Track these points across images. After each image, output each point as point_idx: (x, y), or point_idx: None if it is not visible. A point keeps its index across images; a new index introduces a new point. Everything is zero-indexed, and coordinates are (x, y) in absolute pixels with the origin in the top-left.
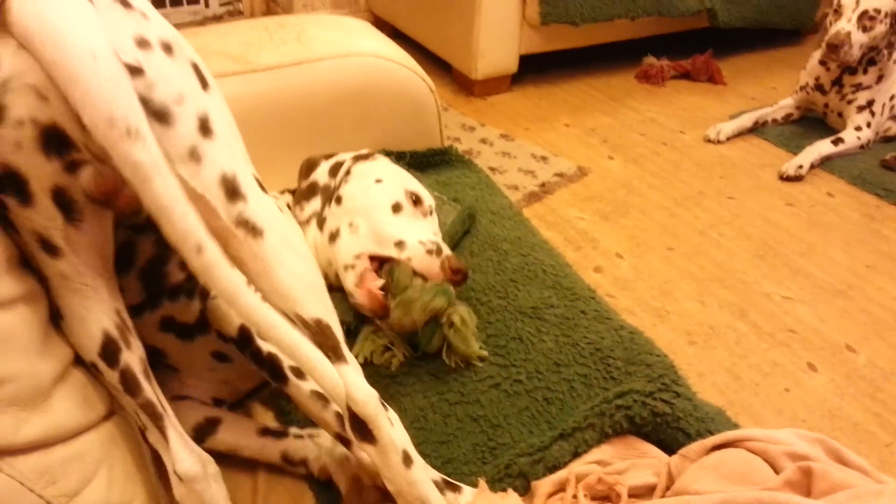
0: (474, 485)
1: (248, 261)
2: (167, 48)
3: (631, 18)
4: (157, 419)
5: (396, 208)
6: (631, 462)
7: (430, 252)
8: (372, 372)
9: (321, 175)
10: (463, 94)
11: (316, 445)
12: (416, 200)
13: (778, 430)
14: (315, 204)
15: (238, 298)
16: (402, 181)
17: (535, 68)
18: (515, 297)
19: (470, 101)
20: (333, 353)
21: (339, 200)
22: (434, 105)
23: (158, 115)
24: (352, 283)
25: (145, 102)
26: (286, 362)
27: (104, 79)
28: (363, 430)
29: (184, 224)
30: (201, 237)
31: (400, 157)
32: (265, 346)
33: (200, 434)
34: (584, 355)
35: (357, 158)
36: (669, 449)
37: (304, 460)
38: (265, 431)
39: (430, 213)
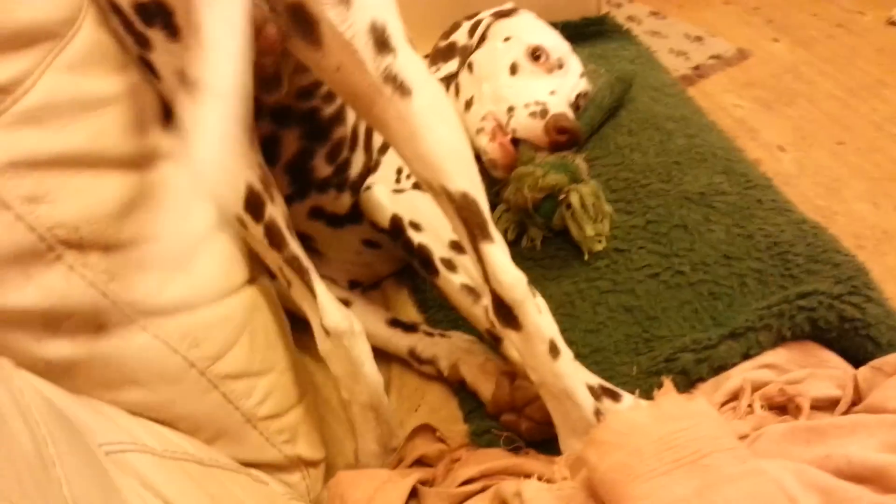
0: (630, 375)
1: (392, 122)
2: None
3: None
4: (302, 273)
5: (514, 69)
6: (809, 371)
7: (532, 115)
8: (514, 253)
9: (460, 35)
10: None
11: (449, 344)
12: (537, 56)
13: None
14: (451, 65)
15: None
16: (528, 37)
17: None
18: (680, 182)
19: None
20: (480, 231)
21: (470, 67)
22: None
23: None
24: (485, 141)
25: None
26: (437, 254)
27: None
28: (508, 315)
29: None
30: None
31: None
32: (416, 237)
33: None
34: (760, 249)
35: (497, 16)
36: (854, 359)
37: (433, 358)
38: (395, 322)
39: (560, 66)
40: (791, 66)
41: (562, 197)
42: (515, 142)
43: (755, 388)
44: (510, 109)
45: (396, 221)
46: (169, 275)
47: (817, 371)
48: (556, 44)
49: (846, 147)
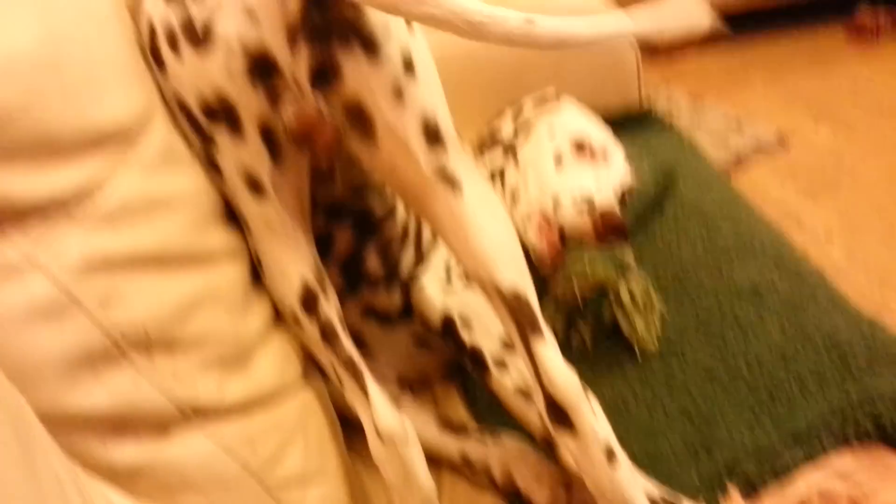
0: (689, 482)
1: (443, 217)
2: None
3: None
4: (356, 373)
5: (558, 160)
6: (879, 478)
7: (579, 210)
8: (564, 352)
9: (505, 126)
10: (646, 56)
11: (501, 450)
12: (581, 147)
13: None
14: (497, 156)
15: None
16: (572, 128)
17: (729, 26)
18: (730, 276)
19: (654, 62)
20: (531, 328)
21: (516, 159)
22: (634, 60)
23: (366, 43)
24: (531, 236)
25: (354, 27)
26: (489, 353)
27: None
28: (561, 417)
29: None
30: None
31: None
32: (467, 336)
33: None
34: (817, 347)
35: (539, 103)
36: None
37: (486, 466)
38: (445, 425)
39: (604, 157)
40: (834, 152)
41: (611, 292)
42: (562, 236)
43: (821, 496)
44: (556, 203)
45: (447, 320)
46: (228, 375)
47: (887, 479)
48: (600, 135)
49: None
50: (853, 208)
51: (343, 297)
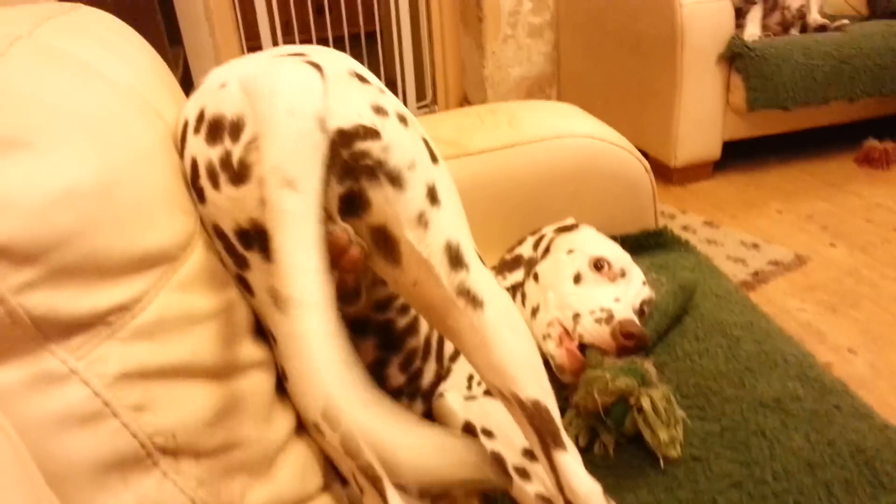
0: None
1: (465, 332)
2: (402, 119)
3: (849, 100)
4: (375, 481)
5: (577, 279)
6: None
7: (598, 321)
8: (587, 460)
9: (525, 248)
10: (661, 183)
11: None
12: (600, 266)
13: None
14: (517, 276)
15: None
16: (591, 249)
17: (740, 153)
18: (753, 388)
19: (668, 189)
20: (552, 439)
21: (536, 277)
22: (650, 186)
23: (392, 177)
24: (552, 347)
25: (381, 164)
26: (511, 462)
27: (292, 133)
28: None
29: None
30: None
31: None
32: (489, 445)
33: None
34: (843, 456)
35: (559, 231)
36: None
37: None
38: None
39: (623, 275)
40: (852, 269)
41: (632, 401)
42: (582, 347)
43: None
44: (576, 316)
45: (469, 429)
46: (251, 482)
47: None
48: (618, 254)
49: None
50: (875, 322)
51: None
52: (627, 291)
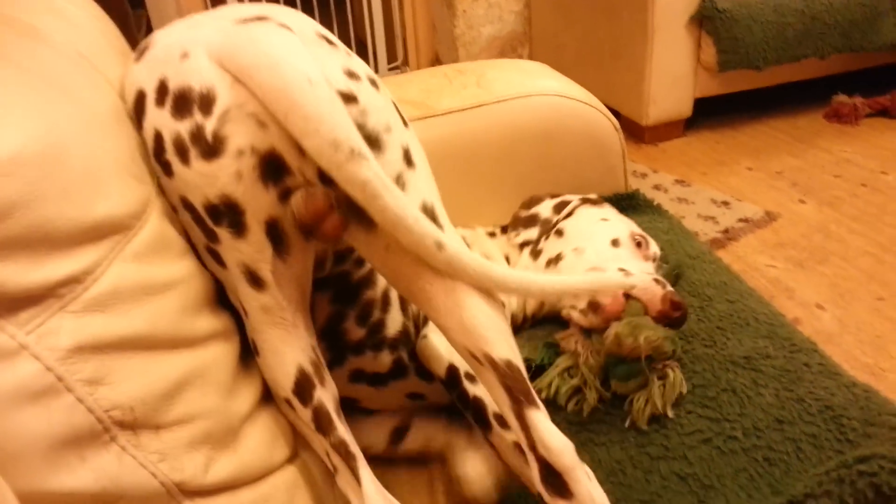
0: None
1: (438, 294)
2: (373, 82)
3: (820, 57)
4: (349, 459)
5: (615, 243)
6: None
7: (656, 281)
8: (560, 418)
9: (544, 209)
10: (632, 141)
11: None
12: (640, 243)
13: None
14: (531, 233)
15: (491, 278)
16: (629, 224)
17: (711, 111)
18: (724, 346)
19: (640, 148)
20: (524, 397)
21: (559, 233)
22: (619, 145)
23: (370, 140)
24: None
25: (360, 128)
26: (491, 408)
27: (324, 102)
28: (557, 483)
29: (419, 227)
30: (438, 235)
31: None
32: (472, 389)
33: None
34: (812, 413)
35: (585, 201)
36: None
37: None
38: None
39: (654, 260)
40: (820, 225)
41: (658, 365)
42: (626, 296)
43: None
44: (624, 271)
45: (452, 371)
46: (215, 453)
47: None
48: (653, 242)
49: (886, 302)
50: (842, 277)
51: (330, 366)
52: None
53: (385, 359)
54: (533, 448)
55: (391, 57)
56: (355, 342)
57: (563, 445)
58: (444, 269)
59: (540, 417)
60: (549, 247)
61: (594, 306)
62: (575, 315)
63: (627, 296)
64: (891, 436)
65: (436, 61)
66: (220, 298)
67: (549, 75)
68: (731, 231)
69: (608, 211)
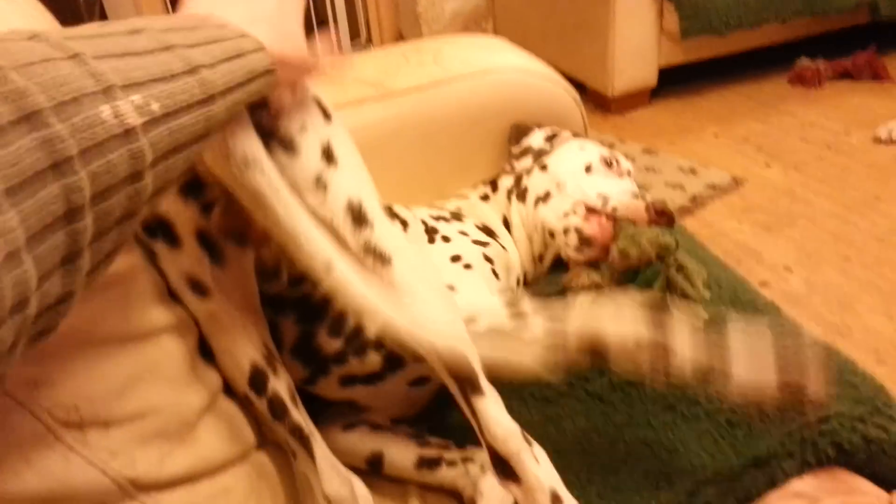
0: None
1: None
2: None
3: (782, 21)
4: (304, 441)
5: (588, 169)
6: (841, 499)
7: (635, 195)
8: (527, 393)
9: (535, 140)
10: (599, 113)
11: (469, 477)
12: (610, 163)
13: None
14: (525, 163)
15: (376, 314)
16: (599, 148)
17: (677, 80)
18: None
19: (607, 119)
20: (470, 385)
21: (544, 168)
22: (580, 118)
23: (284, 144)
24: (578, 222)
25: (269, 133)
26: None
27: None
28: (505, 468)
29: (309, 246)
30: (330, 256)
31: None
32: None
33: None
34: None
35: (576, 135)
36: (886, 483)
37: (460, 492)
38: (421, 463)
39: (628, 174)
40: (786, 189)
41: (671, 260)
42: (614, 219)
43: None
44: (602, 197)
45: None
46: (170, 447)
47: (849, 499)
48: (623, 159)
49: (852, 263)
50: (809, 239)
51: (314, 379)
52: (636, 187)
53: (373, 359)
54: (483, 434)
55: (354, 34)
56: (334, 354)
57: (507, 432)
58: (329, 291)
59: (486, 403)
60: (536, 183)
61: (585, 241)
62: (572, 255)
63: (613, 219)
64: (851, 394)
65: (399, 38)
66: (170, 292)
67: (507, 50)
68: (699, 198)
69: (585, 141)
